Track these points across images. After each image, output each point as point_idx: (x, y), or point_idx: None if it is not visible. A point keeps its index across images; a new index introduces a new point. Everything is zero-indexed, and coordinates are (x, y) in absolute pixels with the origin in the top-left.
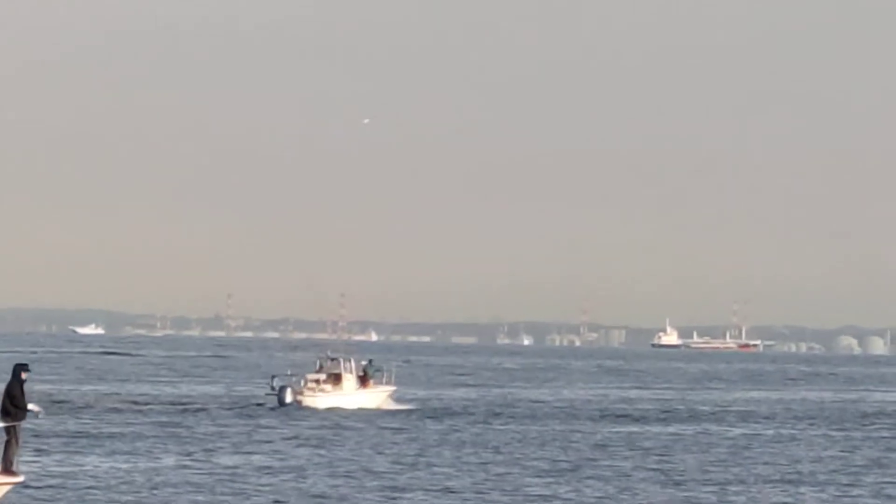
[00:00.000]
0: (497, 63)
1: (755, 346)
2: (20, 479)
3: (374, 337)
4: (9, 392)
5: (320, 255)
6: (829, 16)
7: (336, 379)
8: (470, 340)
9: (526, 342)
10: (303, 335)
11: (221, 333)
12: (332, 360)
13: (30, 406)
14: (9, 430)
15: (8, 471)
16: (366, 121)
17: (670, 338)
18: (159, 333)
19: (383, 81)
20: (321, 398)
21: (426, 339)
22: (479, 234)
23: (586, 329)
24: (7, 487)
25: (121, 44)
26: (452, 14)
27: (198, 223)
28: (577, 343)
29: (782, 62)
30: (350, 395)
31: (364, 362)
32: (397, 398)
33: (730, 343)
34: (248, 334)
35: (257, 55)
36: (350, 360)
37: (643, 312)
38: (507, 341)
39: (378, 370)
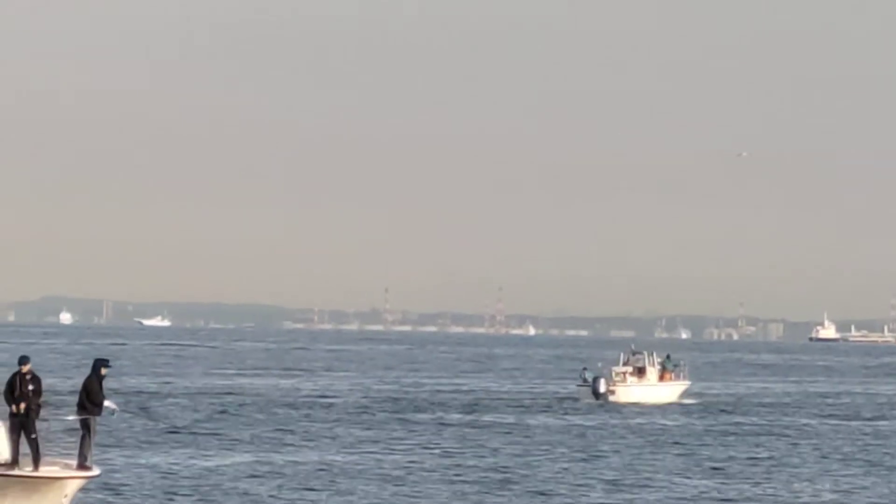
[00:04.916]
0: (649, 60)
1: None
2: (95, 473)
3: (531, 331)
4: (86, 387)
5: (478, 249)
6: None
7: (640, 372)
8: (628, 334)
9: (684, 336)
10: (459, 329)
11: (379, 327)
12: (636, 353)
13: (106, 402)
14: (84, 425)
15: (82, 465)
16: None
17: (828, 331)
18: (317, 327)
19: (540, 80)
20: (632, 390)
21: (583, 332)
22: (636, 228)
23: (744, 322)
24: (81, 482)
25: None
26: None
27: (355, 218)
28: (735, 337)
29: None
30: (652, 388)
31: (660, 359)
32: (690, 392)
33: (888, 337)
34: (406, 328)
35: (409, 53)
36: (653, 354)
37: (800, 306)
38: (664, 335)
39: (676, 365)
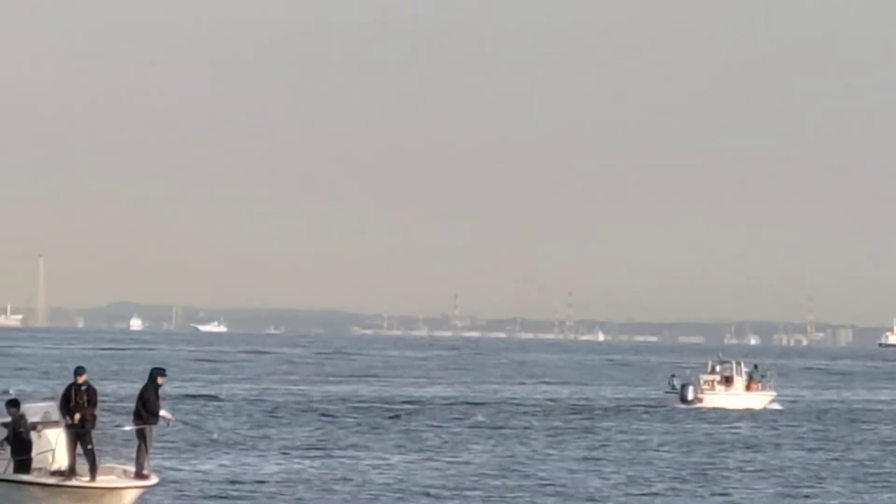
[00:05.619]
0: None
1: None
2: (152, 482)
3: (600, 336)
4: (142, 396)
5: (547, 254)
6: None
7: (727, 381)
8: (697, 340)
9: (753, 342)
10: (529, 335)
11: (448, 333)
12: (724, 362)
13: (161, 412)
14: (140, 434)
15: (140, 474)
16: None
17: None
18: (386, 333)
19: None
20: (720, 398)
21: (653, 338)
22: (704, 233)
23: (813, 328)
24: (139, 491)
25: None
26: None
27: (424, 224)
28: (804, 342)
29: None
30: (739, 396)
31: (748, 368)
32: (777, 401)
33: None
34: (475, 334)
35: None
36: (741, 363)
37: (870, 311)
38: (734, 341)
39: (763, 375)
